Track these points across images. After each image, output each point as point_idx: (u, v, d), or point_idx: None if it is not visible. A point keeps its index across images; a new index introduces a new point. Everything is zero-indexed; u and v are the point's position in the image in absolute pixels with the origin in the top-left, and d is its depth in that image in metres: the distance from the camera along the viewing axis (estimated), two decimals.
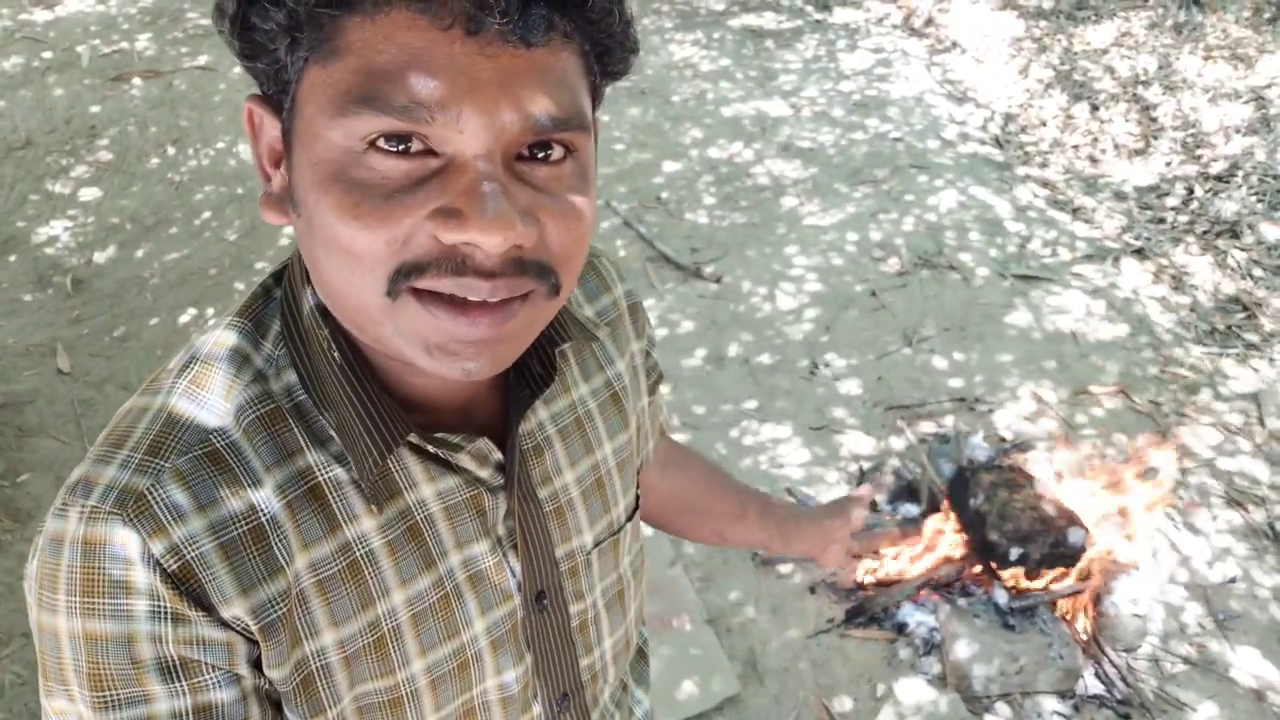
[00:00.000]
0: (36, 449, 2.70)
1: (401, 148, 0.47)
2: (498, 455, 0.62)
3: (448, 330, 0.49)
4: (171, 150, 4.17)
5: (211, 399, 0.56)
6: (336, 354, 0.57)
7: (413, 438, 0.58)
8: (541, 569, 0.67)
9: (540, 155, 0.50)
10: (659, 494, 0.97)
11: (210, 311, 3.25)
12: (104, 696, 0.52)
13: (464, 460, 0.61)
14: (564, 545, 0.69)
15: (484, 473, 0.63)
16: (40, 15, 5.19)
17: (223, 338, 0.58)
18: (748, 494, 1.04)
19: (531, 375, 0.65)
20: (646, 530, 1.06)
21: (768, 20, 5.41)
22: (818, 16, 5.46)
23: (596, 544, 0.72)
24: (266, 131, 0.54)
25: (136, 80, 4.64)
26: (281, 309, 0.59)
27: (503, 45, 0.46)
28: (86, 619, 0.51)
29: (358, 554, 0.58)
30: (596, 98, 0.55)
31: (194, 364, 0.57)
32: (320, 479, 0.57)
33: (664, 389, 2.84)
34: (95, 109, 4.42)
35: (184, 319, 3.23)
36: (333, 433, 0.57)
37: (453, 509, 0.62)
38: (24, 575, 0.56)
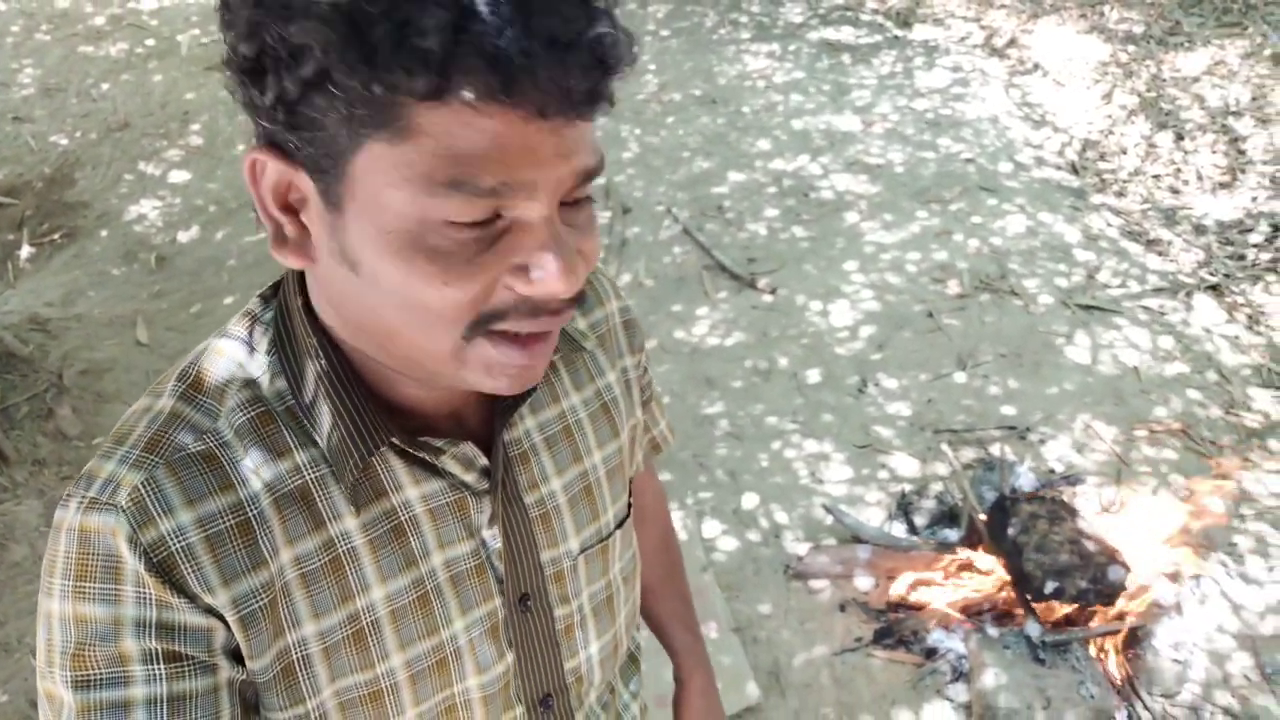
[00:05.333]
0: (113, 414, 2.86)
1: (475, 219, 0.51)
2: (483, 460, 0.65)
3: (513, 359, 0.55)
4: None
5: (207, 401, 0.60)
6: (323, 361, 0.60)
7: (396, 440, 0.61)
8: (525, 572, 0.70)
9: (573, 200, 0.55)
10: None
11: None
12: (86, 676, 0.55)
13: (449, 464, 0.64)
14: (550, 550, 0.71)
15: (469, 477, 0.65)
16: (146, 4, 5.48)
17: (220, 346, 0.63)
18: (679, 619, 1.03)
19: None
20: (681, 536, 1.08)
21: (846, 34, 5.37)
22: (897, 33, 5.40)
23: (583, 550, 0.74)
24: (268, 179, 0.54)
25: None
26: (275, 320, 0.63)
27: (565, 121, 0.50)
28: (77, 602, 0.55)
29: (340, 550, 0.61)
30: None
31: (192, 370, 0.62)
32: (307, 478, 0.60)
33: (713, 393, 2.86)
34: (190, 95, 4.65)
35: None
36: (318, 437, 0.61)
37: (436, 511, 0.64)
38: None
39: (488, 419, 0.68)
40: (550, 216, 0.52)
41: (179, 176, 4.11)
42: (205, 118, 4.48)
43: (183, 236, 3.74)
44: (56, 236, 3.76)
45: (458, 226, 0.50)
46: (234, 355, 0.62)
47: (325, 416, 0.60)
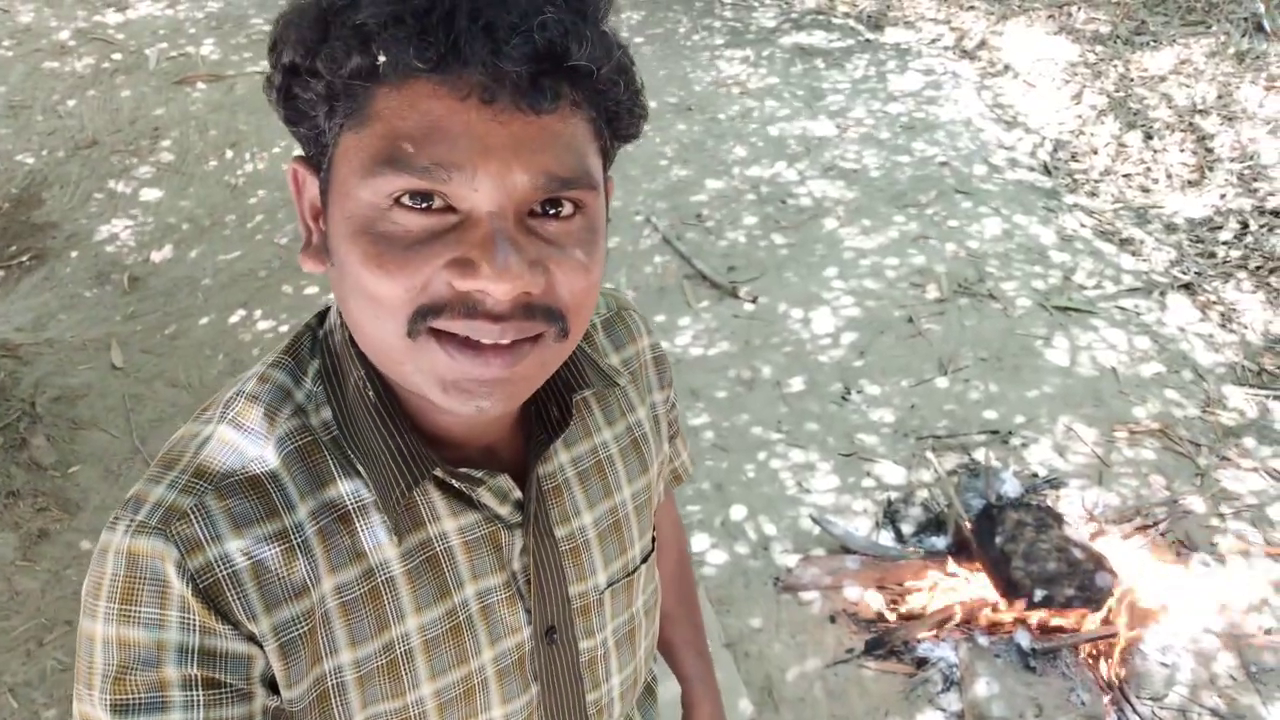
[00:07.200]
0: (87, 441, 2.81)
1: (424, 204, 0.52)
2: (517, 494, 0.66)
3: (462, 369, 0.53)
4: (229, 154, 4.30)
5: (255, 430, 0.61)
6: (370, 393, 0.61)
7: (437, 471, 0.62)
8: (553, 605, 0.70)
9: (551, 211, 0.54)
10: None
11: (259, 313, 3.35)
12: (125, 700, 0.55)
13: (485, 496, 0.65)
14: (578, 584, 0.72)
15: (503, 510, 0.66)
16: (112, 17, 5.38)
17: (268, 374, 0.64)
18: (688, 646, 1.03)
19: (549, 419, 0.69)
20: None
21: (818, 39, 5.40)
22: (869, 36, 5.43)
23: (610, 584, 0.75)
24: (308, 189, 0.59)
25: (200, 84, 4.79)
26: (321, 349, 0.64)
27: (515, 113, 0.51)
28: (122, 625, 0.55)
29: (379, 580, 0.62)
30: (607, 159, 0.60)
31: (240, 397, 0.62)
32: (350, 508, 0.61)
33: (698, 405, 2.86)
34: (159, 111, 4.58)
35: (233, 319, 3.34)
36: (360, 467, 0.61)
37: (471, 543, 0.65)
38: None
39: (520, 453, 0.69)
40: (498, 212, 0.52)
41: (150, 194, 4.05)
42: (176, 133, 4.41)
43: (156, 256, 3.69)
44: (25, 259, 3.69)
45: (405, 212, 0.52)
46: (281, 384, 0.63)
47: (370, 446, 0.61)
